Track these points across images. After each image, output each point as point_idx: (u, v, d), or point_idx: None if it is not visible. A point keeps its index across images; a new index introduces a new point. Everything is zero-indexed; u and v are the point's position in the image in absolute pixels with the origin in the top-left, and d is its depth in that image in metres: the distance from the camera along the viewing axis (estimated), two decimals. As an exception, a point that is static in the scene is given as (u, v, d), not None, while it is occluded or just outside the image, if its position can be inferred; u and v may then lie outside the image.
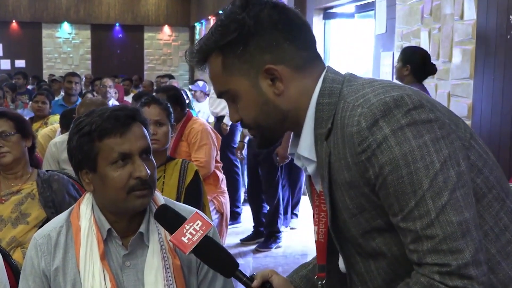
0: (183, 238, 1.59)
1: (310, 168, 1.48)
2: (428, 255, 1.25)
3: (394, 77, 4.87)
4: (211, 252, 1.62)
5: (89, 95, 7.55)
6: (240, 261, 5.31)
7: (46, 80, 14.27)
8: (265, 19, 1.39)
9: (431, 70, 4.61)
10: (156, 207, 1.88)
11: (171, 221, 1.66)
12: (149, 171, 1.79)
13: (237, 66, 1.42)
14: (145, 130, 1.86)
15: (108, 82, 7.84)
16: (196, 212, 1.67)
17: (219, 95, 1.50)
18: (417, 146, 1.26)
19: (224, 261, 1.62)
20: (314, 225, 1.55)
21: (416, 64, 4.52)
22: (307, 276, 1.73)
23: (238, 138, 6.52)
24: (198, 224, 1.61)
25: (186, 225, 1.61)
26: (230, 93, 1.46)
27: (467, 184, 1.29)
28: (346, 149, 1.33)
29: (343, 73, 1.48)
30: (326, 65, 1.48)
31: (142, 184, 1.78)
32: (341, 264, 1.58)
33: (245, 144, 6.08)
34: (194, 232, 1.60)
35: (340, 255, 1.56)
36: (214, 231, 1.95)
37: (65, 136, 3.93)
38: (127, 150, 1.78)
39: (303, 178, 5.92)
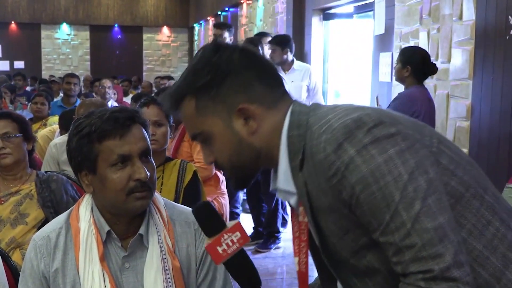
0: (218, 248, 1.51)
1: (292, 200, 1.51)
2: (411, 264, 1.29)
3: (393, 78, 4.84)
4: (240, 267, 1.57)
5: (86, 98, 7.54)
6: (239, 261, 5.33)
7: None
8: (236, 61, 1.45)
9: (432, 70, 4.52)
10: (156, 209, 1.89)
11: (211, 223, 1.57)
12: (148, 173, 1.79)
13: (210, 107, 1.46)
14: (145, 132, 1.85)
15: (107, 83, 7.82)
16: (238, 222, 1.58)
17: (193, 138, 1.53)
18: (383, 161, 1.30)
19: (249, 277, 1.57)
20: (295, 255, 1.56)
21: (417, 64, 4.43)
22: None
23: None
24: (237, 235, 1.53)
25: (224, 235, 1.53)
26: (204, 135, 1.49)
27: (438, 190, 1.32)
28: (319, 176, 1.37)
29: (309, 104, 1.52)
30: (292, 99, 1.52)
31: (142, 186, 1.78)
32: (339, 287, 1.60)
33: None
34: (230, 244, 1.52)
35: (337, 280, 1.59)
36: None
37: (65, 137, 3.91)
38: (126, 152, 1.77)
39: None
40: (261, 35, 7.11)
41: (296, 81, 6.30)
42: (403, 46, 5.82)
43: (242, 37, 12.87)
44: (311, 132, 1.41)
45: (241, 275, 1.57)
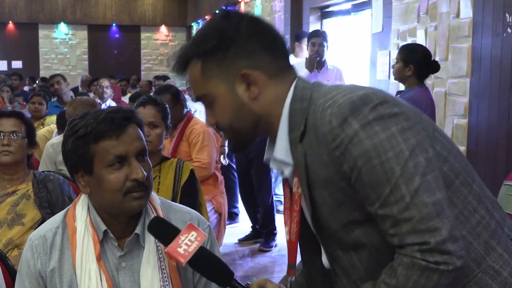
0: (179, 249, 1.60)
1: (287, 171, 1.55)
2: (408, 236, 1.34)
3: (392, 77, 4.75)
4: (206, 263, 1.63)
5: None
6: (238, 261, 5.34)
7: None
8: (244, 29, 1.50)
9: (435, 68, 4.37)
10: (153, 208, 1.89)
11: (165, 233, 1.67)
12: (145, 173, 1.79)
13: (215, 71, 1.51)
14: (141, 132, 1.85)
15: (105, 82, 7.82)
16: (190, 223, 1.67)
17: (197, 99, 1.59)
18: (386, 137, 1.35)
19: (218, 271, 1.64)
20: (285, 225, 1.62)
21: (420, 63, 4.29)
22: (297, 282, 1.78)
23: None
24: (193, 235, 1.62)
25: (181, 236, 1.62)
26: (208, 97, 1.55)
27: (436, 169, 1.38)
28: (321, 148, 1.42)
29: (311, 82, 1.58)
30: (296, 74, 1.57)
31: (139, 186, 1.78)
32: (324, 260, 1.66)
33: (226, 149, 5.88)
34: (189, 243, 1.61)
35: (323, 251, 1.65)
36: (211, 232, 1.95)
37: (62, 137, 3.92)
38: (123, 152, 1.77)
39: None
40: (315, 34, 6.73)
41: (331, 81, 6.14)
42: (400, 44, 5.82)
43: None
44: (315, 106, 1.46)
45: (209, 270, 1.64)
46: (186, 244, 1.60)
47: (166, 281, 1.81)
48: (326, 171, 1.43)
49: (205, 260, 1.63)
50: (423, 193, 1.33)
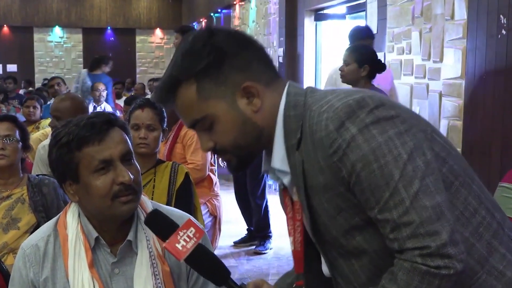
0: (177, 245, 1.57)
1: (286, 180, 1.54)
2: (408, 240, 1.32)
3: (340, 80, 4.65)
4: (203, 260, 1.60)
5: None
6: (233, 263, 5.34)
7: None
8: (233, 42, 1.47)
9: (383, 67, 4.48)
10: (144, 213, 1.86)
11: (163, 227, 1.63)
12: (132, 176, 1.76)
13: (213, 89, 1.45)
14: (125, 135, 1.82)
15: (101, 86, 7.85)
16: (189, 218, 1.64)
17: (193, 125, 1.51)
18: (383, 141, 1.34)
19: (215, 269, 1.61)
20: (290, 235, 1.59)
21: (373, 63, 4.39)
22: (292, 284, 1.74)
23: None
24: (191, 231, 1.59)
25: (180, 232, 1.58)
26: (208, 119, 1.47)
27: (435, 171, 1.37)
28: (318, 153, 1.40)
29: (304, 87, 1.56)
30: (288, 81, 1.54)
31: (126, 190, 1.75)
32: (325, 268, 1.63)
33: None
34: (188, 239, 1.57)
35: (323, 259, 1.62)
36: (204, 236, 1.93)
37: None
38: (107, 156, 1.75)
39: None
40: None
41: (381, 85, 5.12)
42: (395, 46, 5.83)
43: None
44: (310, 111, 1.43)
45: (206, 267, 1.61)
46: (185, 240, 1.57)
47: (160, 286, 1.80)
48: (324, 177, 1.41)
49: (202, 258, 1.60)
50: (423, 197, 1.32)
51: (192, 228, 1.59)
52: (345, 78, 4.48)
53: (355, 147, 1.34)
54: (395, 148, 1.34)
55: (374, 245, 1.44)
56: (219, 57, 1.44)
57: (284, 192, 1.60)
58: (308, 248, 1.62)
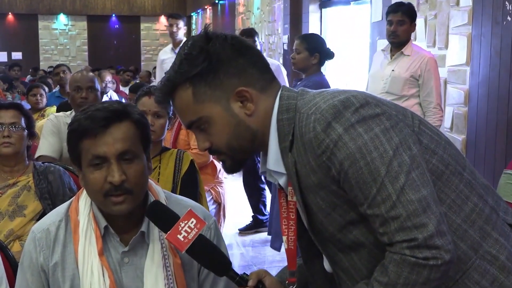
0: (178, 236, 1.58)
1: (282, 181, 1.60)
2: (396, 234, 1.37)
3: (292, 68, 4.93)
4: (204, 251, 1.62)
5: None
6: (238, 251, 5.35)
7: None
8: (229, 48, 1.53)
9: (332, 55, 4.70)
10: None
11: (164, 218, 1.65)
12: (123, 177, 1.70)
13: (208, 93, 1.52)
14: (134, 130, 1.77)
15: (108, 77, 7.87)
16: (190, 209, 1.63)
17: (189, 126, 1.59)
18: (369, 138, 1.39)
19: (217, 260, 1.64)
20: (283, 234, 1.65)
21: (324, 50, 4.65)
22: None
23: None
24: (192, 222, 1.61)
25: (181, 223, 1.60)
26: (202, 121, 1.55)
27: (420, 165, 1.41)
28: (308, 154, 1.46)
29: (296, 90, 1.61)
30: (281, 85, 1.61)
31: (116, 190, 1.70)
32: (326, 264, 1.70)
33: None
34: (189, 230, 1.59)
35: (323, 256, 1.68)
36: (215, 225, 1.91)
37: (62, 113, 4.06)
38: (101, 153, 1.71)
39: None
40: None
41: (399, 71, 4.58)
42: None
43: (239, 25, 12.84)
44: (300, 114, 1.49)
45: (207, 258, 1.64)
46: (186, 231, 1.59)
47: (171, 279, 1.78)
48: (316, 177, 1.47)
49: (204, 249, 1.62)
50: (409, 191, 1.37)
51: (193, 219, 1.62)
52: (296, 65, 4.74)
53: (342, 146, 1.40)
54: (380, 144, 1.39)
55: (371, 238, 1.49)
56: (214, 63, 1.51)
57: (279, 192, 1.65)
58: (309, 245, 1.68)
